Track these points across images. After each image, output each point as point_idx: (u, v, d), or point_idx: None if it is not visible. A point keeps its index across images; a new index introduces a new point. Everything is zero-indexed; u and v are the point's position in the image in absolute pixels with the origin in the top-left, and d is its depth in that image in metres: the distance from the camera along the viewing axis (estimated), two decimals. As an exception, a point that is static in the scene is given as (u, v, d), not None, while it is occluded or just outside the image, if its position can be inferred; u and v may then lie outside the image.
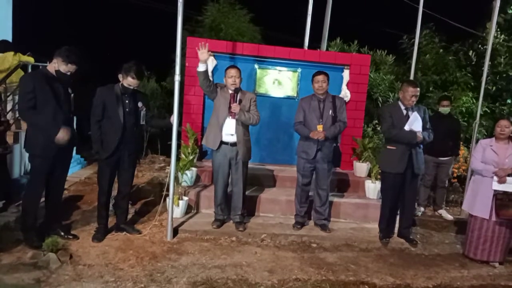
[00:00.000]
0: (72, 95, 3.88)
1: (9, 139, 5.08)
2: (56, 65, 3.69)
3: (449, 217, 5.69)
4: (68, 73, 3.73)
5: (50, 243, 3.57)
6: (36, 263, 3.44)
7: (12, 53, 6.14)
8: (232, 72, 4.29)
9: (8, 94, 5.88)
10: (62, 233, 3.97)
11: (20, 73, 6.12)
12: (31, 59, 6.35)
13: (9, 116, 5.57)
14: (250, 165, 4.68)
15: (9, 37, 7.67)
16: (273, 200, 5.04)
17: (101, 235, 4.07)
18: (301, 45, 6.93)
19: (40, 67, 5.92)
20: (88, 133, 4.07)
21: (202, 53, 4.17)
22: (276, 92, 6.07)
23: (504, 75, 7.74)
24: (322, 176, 4.55)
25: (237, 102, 4.30)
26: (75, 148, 5.53)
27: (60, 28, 12.67)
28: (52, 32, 11.52)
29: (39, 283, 3.15)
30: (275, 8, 12.57)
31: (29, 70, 6.39)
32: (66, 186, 4.95)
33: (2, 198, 4.71)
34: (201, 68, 4.20)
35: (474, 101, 7.32)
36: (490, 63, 5.94)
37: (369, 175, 5.62)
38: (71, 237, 4.00)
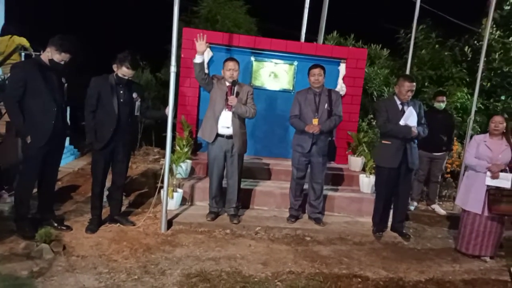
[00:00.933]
0: (66, 84, 3.83)
1: (1, 128, 5.02)
2: (50, 54, 3.64)
3: (442, 211, 5.74)
4: (62, 62, 3.68)
5: (43, 233, 3.55)
6: (29, 253, 3.42)
7: (8, 36, 6.05)
8: (231, 64, 4.26)
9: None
10: (55, 224, 3.95)
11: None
12: (25, 42, 6.23)
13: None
14: (245, 158, 4.67)
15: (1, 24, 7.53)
16: (267, 193, 5.05)
17: (94, 226, 4.05)
18: (297, 38, 6.90)
19: (33, 55, 5.83)
20: (82, 124, 4.03)
21: (200, 44, 4.13)
22: (272, 85, 6.05)
23: (499, 71, 7.76)
24: (317, 170, 4.56)
25: (234, 94, 4.28)
26: (68, 138, 5.48)
27: (54, 17, 12.50)
28: (46, 20, 11.35)
29: (32, 273, 3.14)
30: (271, -1, 12.46)
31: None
32: (59, 177, 4.92)
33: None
34: (197, 59, 4.16)
35: (469, 97, 7.35)
36: (485, 59, 5.95)
37: (363, 170, 5.64)
38: (64, 228, 3.98)
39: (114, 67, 3.96)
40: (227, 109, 4.28)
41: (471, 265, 4.12)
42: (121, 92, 3.96)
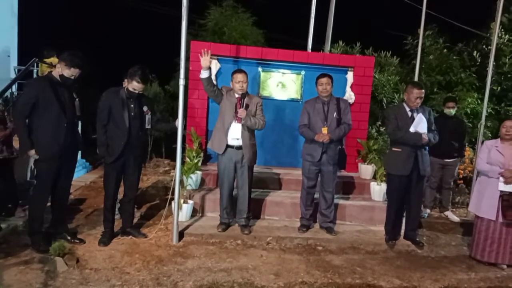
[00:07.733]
0: (77, 99, 3.90)
1: (16, 143, 5.10)
2: (60, 70, 3.73)
3: (456, 218, 5.66)
4: (72, 77, 3.75)
5: (57, 247, 3.60)
6: (44, 267, 3.46)
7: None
8: (240, 77, 4.28)
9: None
10: (69, 237, 3.99)
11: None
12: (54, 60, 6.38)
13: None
14: (255, 168, 4.67)
15: (14, 43, 7.75)
16: (278, 203, 5.03)
17: (107, 239, 4.08)
18: (304, 47, 6.94)
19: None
20: (93, 137, 4.09)
21: (204, 59, 4.19)
22: (280, 95, 6.08)
23: (509, 75, 7.68)
24: (328, 179, 4.55)
25: (244, 106, 4.30)
26: (80, 152, 5.55)
27: (64, 33, 12.78)
28: (57, 36, 11.60)
29: (46, 286, 3.17)
30: (278, 10, 12.60)
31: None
32: (71, 191, 4.97)
33: (10, 202, 4.73)
34: (203, 74, 4.21)
35: (479, 102, 7.28)
36: (494, 63, 5.90)
37: (374, 177, 5.60)
38: (77, 241, 4.02)
39: (125, 81, 4.03)
40: (236, 121, 4.31)
41: (487, 273, 4.04)
42: (132, 106, 4.02)
